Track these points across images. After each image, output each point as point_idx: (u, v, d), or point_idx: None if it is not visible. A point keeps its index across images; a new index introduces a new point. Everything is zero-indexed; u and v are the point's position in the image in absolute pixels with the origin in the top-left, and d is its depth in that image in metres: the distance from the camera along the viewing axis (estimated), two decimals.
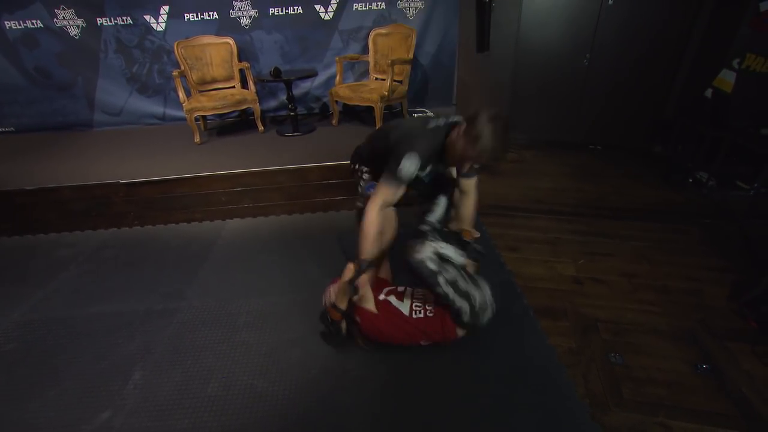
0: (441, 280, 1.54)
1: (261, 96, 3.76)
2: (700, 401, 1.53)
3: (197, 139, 3.33)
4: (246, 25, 3.59)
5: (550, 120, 4.22)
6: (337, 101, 3.56)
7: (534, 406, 1.49)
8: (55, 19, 3.41)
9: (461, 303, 1.56)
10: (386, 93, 3.22)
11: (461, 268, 1.64)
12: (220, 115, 3.83)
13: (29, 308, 2.08)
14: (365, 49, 3.71)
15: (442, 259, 1.60)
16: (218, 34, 3.53)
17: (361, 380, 1.60)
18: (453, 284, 1.55)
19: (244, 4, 3.51)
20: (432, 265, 1.55)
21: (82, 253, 2.55)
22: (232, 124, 3.82)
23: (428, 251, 1.57)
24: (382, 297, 1.70)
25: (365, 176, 1.96)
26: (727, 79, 3.18)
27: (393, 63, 3.19)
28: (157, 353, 1.78)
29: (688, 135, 3.52)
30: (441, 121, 1.69)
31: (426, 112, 4.17)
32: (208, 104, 3.22)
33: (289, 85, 3.37)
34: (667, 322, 1.88)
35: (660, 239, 2.53)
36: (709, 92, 3.31)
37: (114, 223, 2.82)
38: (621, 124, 4.06)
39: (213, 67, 3.49)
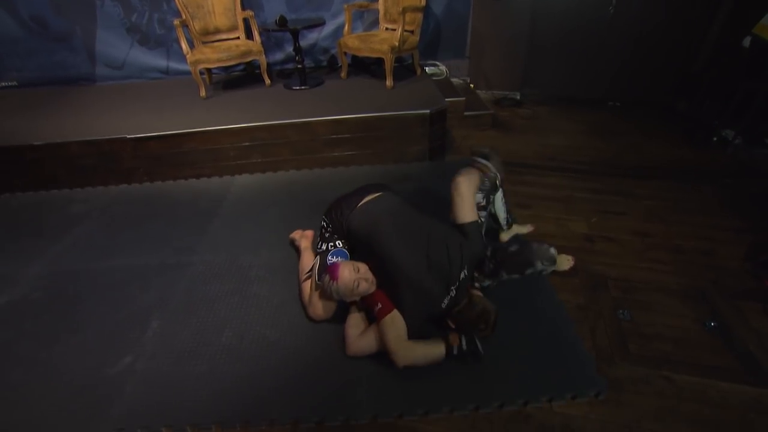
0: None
1: (267, 48, 3.59)
2: (705, 357, 1.54)
3: (203, 93, 3.23)
4: None
5: (568, 74, 3.99)
6: (345, 53, 3.40)
7: (541, 359, 1.51)
8: None
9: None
10: (397, 43, 3.05)
11: None
12: (226, 68, 3.69)
13: (48, 261, 2.13)
14: None
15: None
16: None
17: None
18: None
19: None
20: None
21: (95, 208, 2.57)
22: (238, 78, 3.69)
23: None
24: None
25: (332, 244, 1.72)
26: None
27: (404, 11, 2.99)
28: (173, 304, 1.83)
29: (718, 89, 3.29)
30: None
31: (438, 66, 3.99)
32: (212, 56, 3.09)
33: (295, 36, 3.20)
34: (678, 281, 1.87)
35: (677, 198, 2.46)
36: (747, 41, 3.00)
37: (124, 179, 2.82)
38: (644, 78, 3.81)
39: (215, 15, 3.31)
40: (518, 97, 4.07)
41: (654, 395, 1.41)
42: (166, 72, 3.78)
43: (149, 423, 1.37)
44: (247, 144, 2.78)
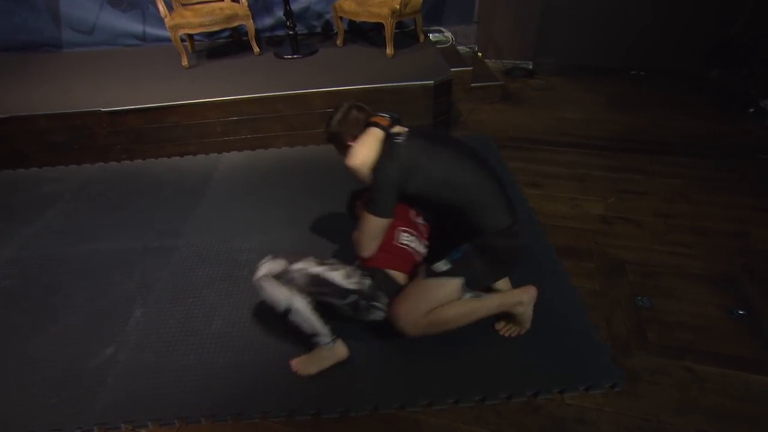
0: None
1: (254, 11, 3.48)
2: (730, 346, 1.53)
3: (185, 62, 3.16)
4: None
5: (585, 41, 3.89)
6: (341, 18, 3.31)
7: (553, 349, 1.51)
8: None
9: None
10: (398, 6, 2.97)
11: None
12: (209, 35, 3.61)
13: (19, 246, 2.12)
14: None
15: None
16: None
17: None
18: None
19: None
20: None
21: (69, 189, 2.54)
22: (224, 46, 3.61)
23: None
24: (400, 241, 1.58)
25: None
26: None
27: None
28: (157, 291, 1.82)
29: (760, 54, 3.19)
30: None
31: (442, 32, 3.90)
32: (194, 20, 3.01)
33: None
34: (703, 266, 1.85)
35: (705, 176, 2.43)
36: None
37: (100, 156, 2.78)
38: (672, 43, 3.69)
39: None
40: (530, 67, 3.99)
41: (674, 387, 1.41)
42: (143, 38, 3.69)
43: (134, 417, 1.38)
44: (234, 118, 2.74)
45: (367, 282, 1.44)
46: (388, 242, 1.52)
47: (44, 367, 1.53)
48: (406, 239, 1.56)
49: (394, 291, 1.46)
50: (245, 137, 2.82)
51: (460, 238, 1.47)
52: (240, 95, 2.68)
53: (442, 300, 1.41)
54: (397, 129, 1.53)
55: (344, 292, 1.42)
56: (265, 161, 2.72)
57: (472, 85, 3.39)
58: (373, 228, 1.45)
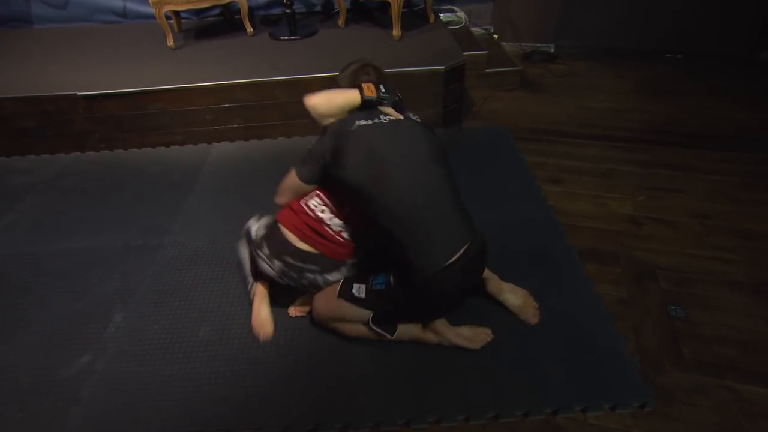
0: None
1: None
2: None
3: (170, 42, 3.17)
4: None
5: (615, 20, 3.85)
6: None
7: (575, 362, 1.50)
8: None
9: None
10: None
11: None
12: (198, 12, 3.62)
13: None
14: None
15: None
16: None
17: None
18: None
19: None
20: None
21: (41, 181, 2.56)
22: (214, 25, 3.63)
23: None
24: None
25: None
26: None
27: None
28: (140, 294, 1.83)
29: None
30: None
31: (455, 11, 3.89)
32: None
33: None
34: (747, 273, 1.83)
35: (749, 172, 2.41)
36: None
37: (76, 146, 2.80)
38: (714, 21, 3.64)
39: None
40: (552, 51, 3.98)
41: (714, 409, 1.39)
42: (123, 14, 3.71)
43: None
44: (226, 105, 2.75)
45: (261, 233, 1.58)
46: (298, 200, 1.59)
47: (11, 378, 1.53)
48: (314, 205, 1.55)
49: (278, 243, 1.53)
50: (237, 126, 2.82)
51: (390, 259, 1.44)
52: (231, 80, 2.68)
53: (350, 319, 1.51)
54: (387, 110, 1.50)
55: (249, 238, 1.63)
56: (259, 152, 2.73)
57: (487, 70, 3.39)
58: (289, 181, 1.56)
